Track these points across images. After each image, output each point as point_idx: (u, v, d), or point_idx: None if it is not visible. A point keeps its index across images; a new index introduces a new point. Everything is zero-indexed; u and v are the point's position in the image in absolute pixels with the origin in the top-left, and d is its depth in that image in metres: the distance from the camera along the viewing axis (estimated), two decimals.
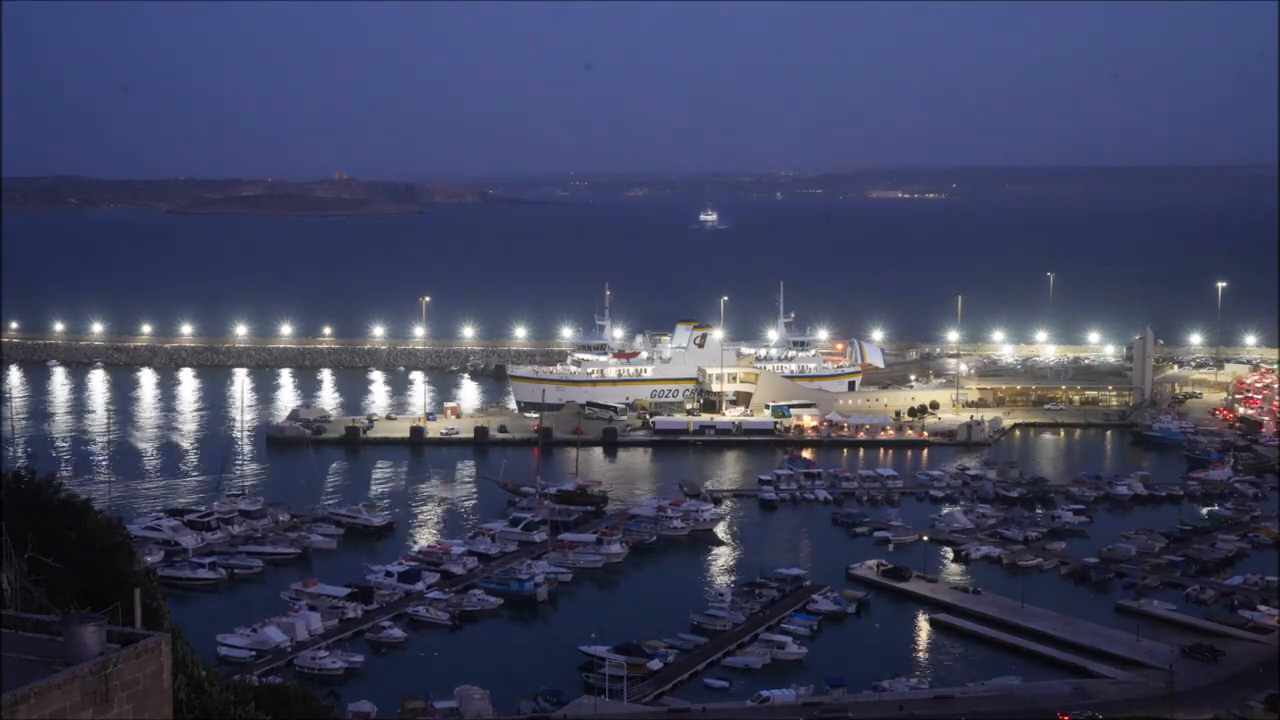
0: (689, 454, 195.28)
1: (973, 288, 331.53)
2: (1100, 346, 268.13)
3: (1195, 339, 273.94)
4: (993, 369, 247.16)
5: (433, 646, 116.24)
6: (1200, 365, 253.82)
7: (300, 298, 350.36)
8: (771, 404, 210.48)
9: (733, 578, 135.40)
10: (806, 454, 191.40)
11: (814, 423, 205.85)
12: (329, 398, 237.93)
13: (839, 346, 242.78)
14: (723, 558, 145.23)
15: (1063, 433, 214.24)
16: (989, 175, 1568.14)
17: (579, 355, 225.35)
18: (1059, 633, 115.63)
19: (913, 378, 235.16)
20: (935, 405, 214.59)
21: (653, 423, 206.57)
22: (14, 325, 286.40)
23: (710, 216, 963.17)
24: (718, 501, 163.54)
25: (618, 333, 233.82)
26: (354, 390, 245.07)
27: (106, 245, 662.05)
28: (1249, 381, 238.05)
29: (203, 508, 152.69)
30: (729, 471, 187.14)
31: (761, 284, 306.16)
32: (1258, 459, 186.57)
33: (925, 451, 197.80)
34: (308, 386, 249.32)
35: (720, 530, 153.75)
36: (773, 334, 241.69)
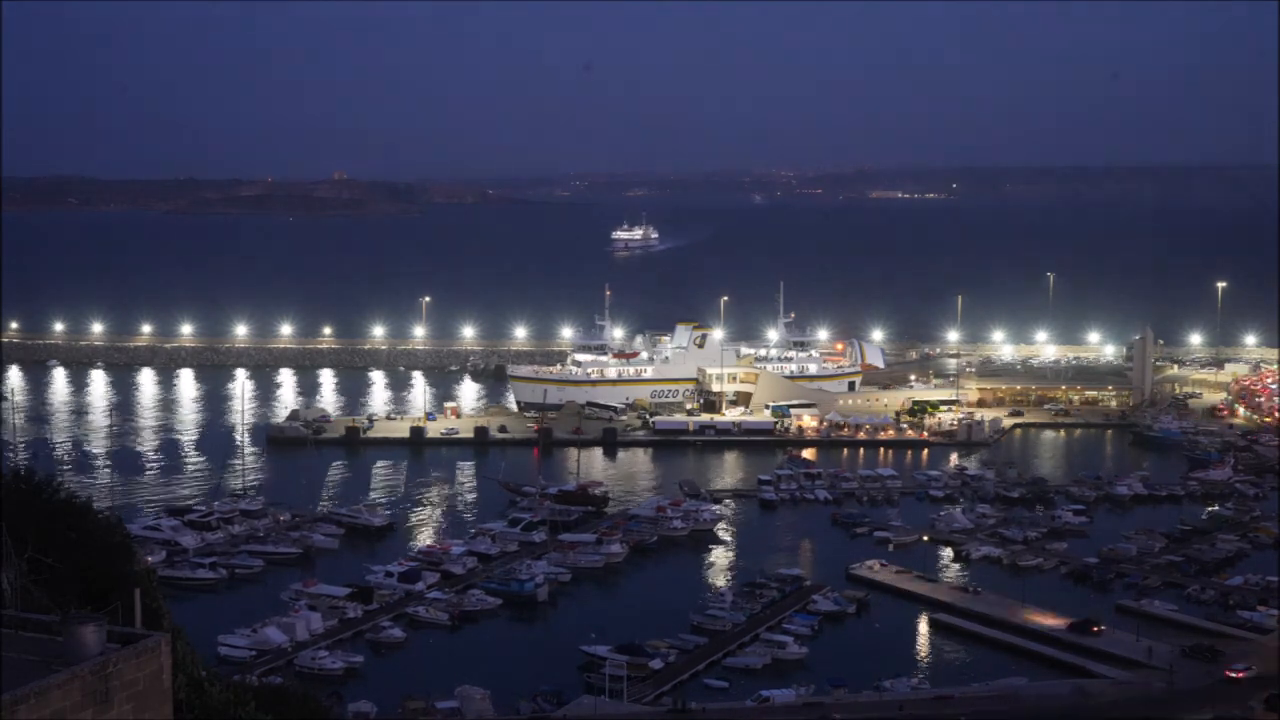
0: (689, 454, 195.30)
1: (973, 288, 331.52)
2: (1100, 346, 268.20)
3: (1195, 339, 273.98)
4: (992, 369, 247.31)
5: (433, 646, 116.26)
6: (1203, 365, 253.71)
7: (300, 298, 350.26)
8: (771, 404, 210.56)
9: (733, 578, 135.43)
10: (807, 454, 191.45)
11: (814, 423, 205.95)
12: (329, 398, 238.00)
13: (839, 346, 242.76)
14: (723, 558, 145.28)
15: (1063, 432, 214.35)
16: (989, 175, 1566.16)
17: (579, 355, 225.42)
18: (1059, 633, 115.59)
19: (913, 377, 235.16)
20: (936, 406, 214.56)
21: (653, 423, 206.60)
22: (14, 325, 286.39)
23: (631, 233, 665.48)
24: (718, 501, 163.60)
25: (618, 333, 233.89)
26: (354, 390, 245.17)
27: (106, 245, 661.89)
28: (1261, 375, 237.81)
29: (203, 508, 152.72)
30: (729, 471, 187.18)
31: (761, 284, 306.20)
32: (1258, 459, 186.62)
33: (925, 451, 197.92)
34: (308, 386, 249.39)
35: (720, 530, 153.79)
36: (773, 334, 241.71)
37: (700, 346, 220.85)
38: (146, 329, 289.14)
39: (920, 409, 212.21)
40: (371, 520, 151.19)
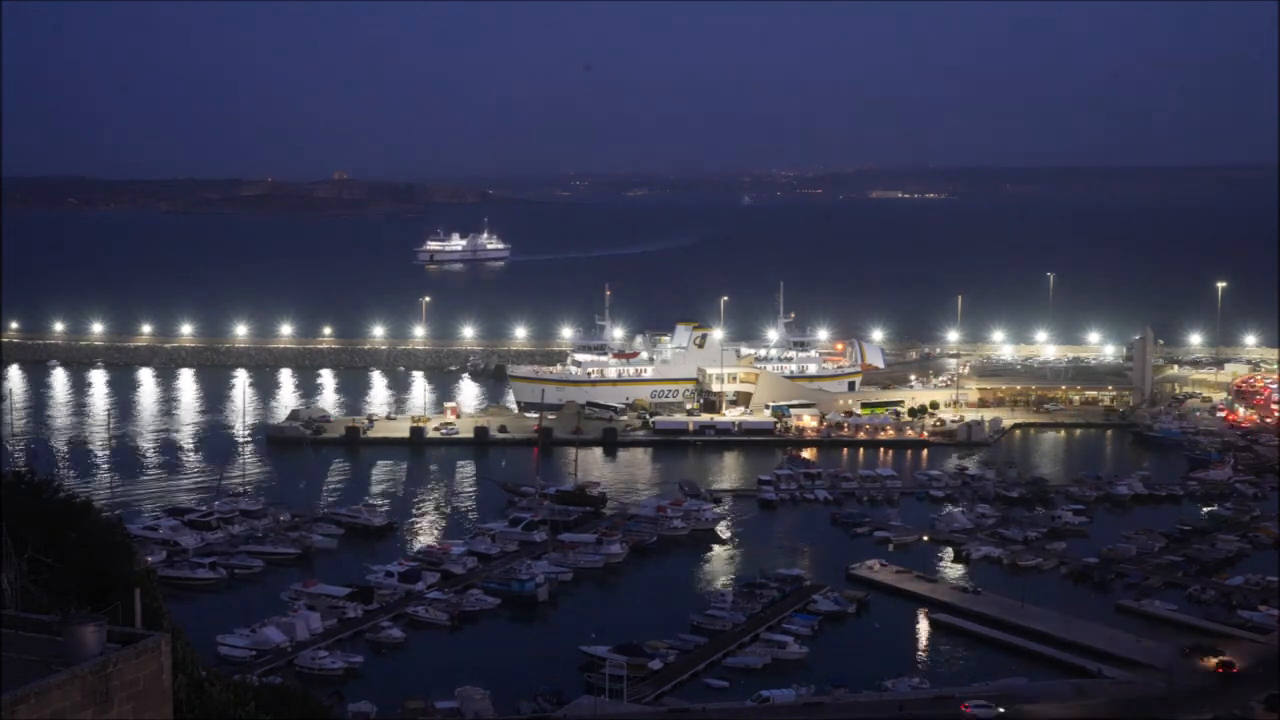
0: (689, 454, 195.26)
1: (973, 288, 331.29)
2: (1100, 346, 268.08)
3: (1195, 339, 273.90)
4: (992, 369, 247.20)
5: (433, 646, 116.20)
6: (1204, 364, 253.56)
7: (300, 298, 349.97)
8: (771, 404, 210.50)
9: (733, 578, 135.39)
10: (807, 454, 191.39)
11: (814, 423, 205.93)
12: (329, 398, 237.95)
13: (839, 346, 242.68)
14: (723, 558, 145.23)
15: (1063, 432, 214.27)
16: (989, 175, 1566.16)
17: (579, 355, 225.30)
18: (1059, 633, 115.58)
19: (913, 377, 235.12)
20: (935, 405, 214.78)
21: (653, 423, 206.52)
22: (14, 325, 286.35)
23: (447, 244, 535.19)
24: (718, 501, 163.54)
25: (618, 333, 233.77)
26: (354, 390, 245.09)
27: (106, 245, 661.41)
28: (1257, 379, 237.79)
29: (203, 508, 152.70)
30: (729, 471, 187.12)
31: (762, 284, 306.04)
32: (1258, 459, 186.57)
33: (925, 451, 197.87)
34: (308, 386, 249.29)
35: (720, 530, 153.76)
36: (773, 334, 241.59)
37: (700, 346, 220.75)
38: (146, 329, 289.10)
39: (921, 408, 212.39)
40: (371, 520, 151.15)
